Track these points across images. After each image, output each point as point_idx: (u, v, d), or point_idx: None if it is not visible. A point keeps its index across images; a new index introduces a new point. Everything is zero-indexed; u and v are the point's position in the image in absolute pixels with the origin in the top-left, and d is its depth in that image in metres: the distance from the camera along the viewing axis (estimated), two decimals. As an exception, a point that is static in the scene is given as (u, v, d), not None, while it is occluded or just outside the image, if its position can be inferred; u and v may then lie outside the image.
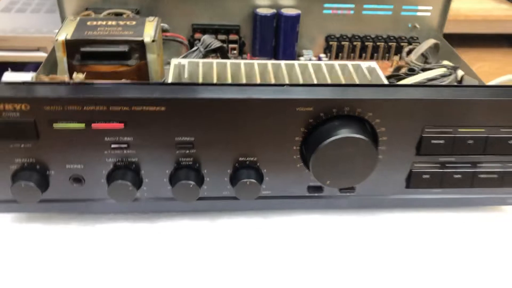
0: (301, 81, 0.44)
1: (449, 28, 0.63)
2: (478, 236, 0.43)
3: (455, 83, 0.44)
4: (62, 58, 0.48)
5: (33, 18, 0.90)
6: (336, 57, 0.62)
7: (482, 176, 0.41)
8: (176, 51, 0.60)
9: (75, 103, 0.35)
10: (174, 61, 0.46)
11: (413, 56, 0.52)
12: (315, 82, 0.44)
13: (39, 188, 0.37)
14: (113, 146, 0.37)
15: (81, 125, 0.36)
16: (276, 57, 0.60)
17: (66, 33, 0.48)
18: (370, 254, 0.40)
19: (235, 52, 0.60)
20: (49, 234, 0.40)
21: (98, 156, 0.38)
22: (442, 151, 0.40)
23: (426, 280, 0.38)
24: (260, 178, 0.39)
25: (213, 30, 0.59)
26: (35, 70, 0.86)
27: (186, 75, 0.44)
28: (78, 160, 0.38)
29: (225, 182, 0.40)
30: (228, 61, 0.46)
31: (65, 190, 0.39)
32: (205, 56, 0.51)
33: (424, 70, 0.48)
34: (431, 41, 0.55)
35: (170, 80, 0.43)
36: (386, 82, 0.44)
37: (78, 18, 0.51)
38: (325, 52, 0.62)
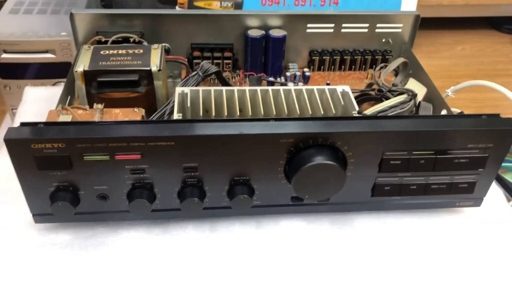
0: (285, 106, 0.53)
1: (433, 13, 0.69)
2: (433, 233, 0.52)
3: (413, 109, 0.53)
4: (81, 86, 0.56)
5: (40, 20, 0.96)
6: (319, 69, 0.70)
7: (433, 186, 0.50)
8: (178, 69, 0.68)
9: (101, 142, 0.43)
10: (178, 90, 0.54)
11: (383, 76, 0.61)
12: (297, 107, 0.53)
13: (72, 205, 0.46)
14: (131, 172, 0.46)
15: (106, 157, 0.45)
16: (265, 71, 0.68)
17: (83, 64, 0.56)
18: (343, 248, 0.50)
19: (229, 67, 0.68)
20: (79, 237, 0.50)
21: (120, 179, 0.46)
22: (399, 169, 0.49)
23: (384, 269, 0.48)
24: (251, 193, 0.48)
25: (210, 49, 0.67)
26: (38, 71, 0.93)
27: (188, 104, 0.52)
28: (103, 183, 0.47)
29: (223, 195, 0.49)
30: (223, 89, 0.54)
31: (93, 205, 0.48)
32: (203, 79, 0.59)
33: (390, 91, 0.56)
34: (399, 60, 0.63)
35: (175, 107, 0.52)
36: (356, 106, 0.52)
37: (92, 48, 0.58)
38: (308, 66, 0.70)
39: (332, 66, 0.70)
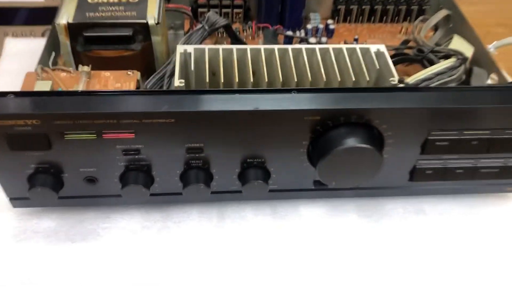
0: (308, 70, 0.44)
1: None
2: (479, 223, 0.45)
3: (463, 76, 0.44)
4: (65, 42, 0.47)
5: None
6: (344, 20, 0.60)
7: (483, 170, 0.42)
8: (180, 19, 0.58)
9: (85, 117, 0.35)
10: (180, 48, 0.45)
11: (422, 32, 0.51)
12: (323, 72, 0.44)
13: (54, 190, 0.39)
14: (124, 153, 0.38)
15: (92, 136, 0.37)
16: (282, 23, 0.58)
17: (67, 14, 0.47)
18: (372, 241, 0.43)
19: (240, 17, 0.58)
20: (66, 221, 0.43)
21: (110, 161, 0.39)
22: (446, 151, 0.40)
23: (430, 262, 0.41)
24: (267, 177, 0.41)
25: (217, -3, 0.57)
26: (27, 16, 0.84)
27: (192, 67, 0.43)
28: (90, 165, 0.39)
29: (233, 179, 0.41)
30: (234, 47, 0.45)
31: (80, 189, 0.41)
32: (210, 34, 0.50)
33: (433, 51, 0.47)
34: (442, 13, 0.53)
35: (177, 70, 0.43)
36: (394, 72, 0.43)
37: (78, -7, 0.49)
38: (333, 16, 0.60)
39: (360, 17, 0.60)
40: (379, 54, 0.46)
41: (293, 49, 0.46)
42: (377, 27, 0.60)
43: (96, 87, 0.43)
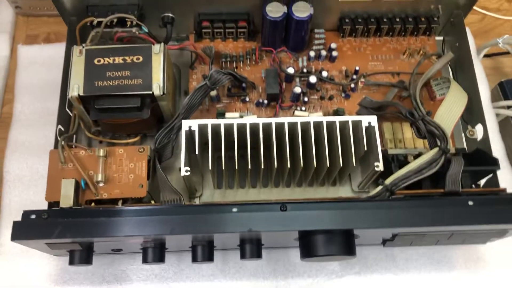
0: (300, 153, 0.48)
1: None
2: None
3: (442, 166, 0.48)
4: (80, 109, 0.51)
5: None
6: (350, 34, 0.59)
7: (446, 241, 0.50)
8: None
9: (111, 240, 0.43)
10: (185, 126, 0.49)
11: (419, 84, 0.53)
12: (314, 156, 0.48)
13: (87, 263, 0.48)
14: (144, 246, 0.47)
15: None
16: (286, 44, 0.58)
17: (77, 84, 0.50)
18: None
19: (243, 35, 0.59)
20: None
21: (135, 246, 0.48)
22: (410, 242, 0.48)
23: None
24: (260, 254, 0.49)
25: (221, 20, 0.56)
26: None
27: (197, 150, 0.48)
28: (118, 246, 0.48)
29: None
30: (234, 123, 0.49)
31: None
32: (212, 90, 0.53)
33: (423, 120, 0.50)
34: (445, 60, 0.53)
35: (182, 155, 0.48)
36: (380, 153, 0.48)
37: (84, 53, 0.51)
38: (338, 30, 0.59)
39: (366, 33, 0.59)
40: (369, 128, 0.49)
41: (289, 123, 0.49)
42: (382, 44, 0.60)
43: (113, 168, 0.49)
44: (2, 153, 0.60)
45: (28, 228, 0.43)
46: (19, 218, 0.44)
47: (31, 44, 0.68)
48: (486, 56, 0.78)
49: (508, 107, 0.65)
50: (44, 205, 0.49)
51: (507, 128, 0.67)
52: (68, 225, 0.43)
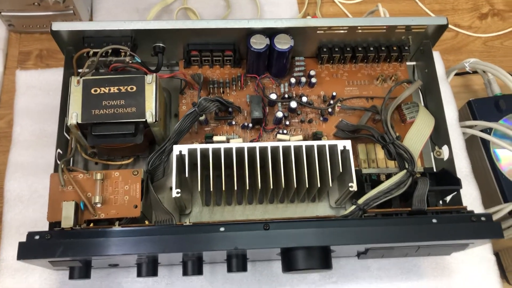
0: (282, 174, 0.53)
1: None
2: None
3: (410, 186, 0.53)
4: (78, 134, 0.55)
5: None
6: (328, 61, 0.64)
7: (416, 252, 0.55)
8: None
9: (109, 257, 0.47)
10: (176, 150, 0.53)
11: (391, 110, 0.58)
12: (294, 176, 0.53)
13: (86, 277, 0.52)
14: (138, 261, 0.51)
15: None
16: (269, 70, 0.63)
17: (75, 112, 0.54)
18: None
19: (230, 62, 0.63)
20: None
21: (131, 260, 0.52)
22: (380, 254, 0.53)
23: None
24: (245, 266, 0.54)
25: (208, 49, 0.61)
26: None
27: (187, 173, 0.52)
28: (115, 262, 0.52)
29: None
30: (221, 147, 0.53)
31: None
32: (201, 116, 0.57)
33: (393, 144, 0.55)
34: (414, 87, 0.58)
35: (174, 169, 0.52)
36: (354, 178, 0.52)
37: (81, 83, 0.55)
38: (317, 58, 0.64)
39: (343, 60, 0.64)
40: (344, 152, 0.54)
41: (271, 147, 0.54)
42: (358, 69, 0.65)
43: (109, 190, 0.53)
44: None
45: (32, 248, 0.47)
46: (19, 235, 0.48)
47: (27, 68, 0.72)
48: (457, 74, 0.84)
49: (474, 126, 0.71)
50: (42, 222, 0.53)
51: (473, 144, 0.73)
52: (69, 245, 0.47)
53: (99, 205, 0.52)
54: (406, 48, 0.63)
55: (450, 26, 0.87)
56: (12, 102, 0.68)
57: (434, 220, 0.49)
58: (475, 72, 0.82)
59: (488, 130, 0.71)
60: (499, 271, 0.62)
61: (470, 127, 0.71)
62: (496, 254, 0.66)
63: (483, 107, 0.74)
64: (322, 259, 0.49)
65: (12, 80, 0.72)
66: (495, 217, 0.66)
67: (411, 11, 0.92)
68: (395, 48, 0.63)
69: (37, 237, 0.47)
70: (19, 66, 0.76)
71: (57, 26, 0.56)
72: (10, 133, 0.67)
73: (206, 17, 0.81)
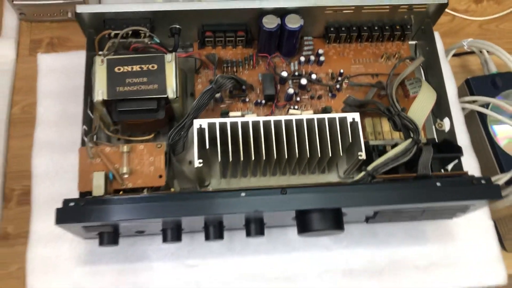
0: (296, 146, 0.57)
1: None
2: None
3: (415, 154, 0.57)
4: (103, 111, 0.58)
5: None
6: (335, 41, 0.68)
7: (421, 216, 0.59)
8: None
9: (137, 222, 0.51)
10: (196, 124, 0.57)
11: (395, 85, 0.62)
12: (307, 147, 0.57)
13: (114, 244, 0.56)
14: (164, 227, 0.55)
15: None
16: (280, 50, 0.66)
17: (101, 89, 0.57)
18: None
19: (242, 42, 0.67)
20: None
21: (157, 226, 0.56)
22: (388, 217, 0.57)
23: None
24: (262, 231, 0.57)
25: (222, 30, 0.64)
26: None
27: (207, 145, 0.56)
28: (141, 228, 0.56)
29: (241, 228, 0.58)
30: (239, 121, 0.57)
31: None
32: (218, 92, 0.61)
33: (399, 116, 0.59)
34: (416, 64, 0.62)
35: (195, 149, 0.56)
36: (362, 146, 0.56)
37: (105, 62, 0.58)
38: (324, 38, 0.68)
39: (349, 39, 0.68)
40: (353, 124, 0.58)
41: (285, 120, 0.58)
42: (363, 48, 0.68)
43: (135, 161, 0.56)
44: (18, 150, 0.70)
45: (69, 214, 0.50)
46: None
47: (48, 52, 0.75)
48: (455, 55, 0.88)
49: (473, 102, 0.75)
50: (69, 196, 0.56)
51: (472, 120, 0.77)
52: (102, 210, 0.51)
53: (126, 176, 0.56)
54: (409, 27, 0.67)
55: (447, 10, 0.91)
56: (26, 89, 0.72)
57: (438, 184, 0.53)
58: (472, 52, 0.86)
59: (486, 106, 0.75)
60: (497, 237, 0.66)
61: (470, 103, 0.75)
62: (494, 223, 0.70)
63: (480, 85, 0.78)
64: (335, 221, 0.53)
65: (24, 67, 0.76)
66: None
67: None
68: (398, 27, 0.67)
69: (72, 204, 0.51)
70: (31, 53, 0.79)
71: (81, 9, 0.59)
72: (25, 118, 0.71)
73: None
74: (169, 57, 0.59)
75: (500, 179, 0.71)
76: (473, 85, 0.78)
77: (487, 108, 0.74)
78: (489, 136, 0.75)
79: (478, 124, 0.77)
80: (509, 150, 0.73)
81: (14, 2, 0.77)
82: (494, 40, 0.94)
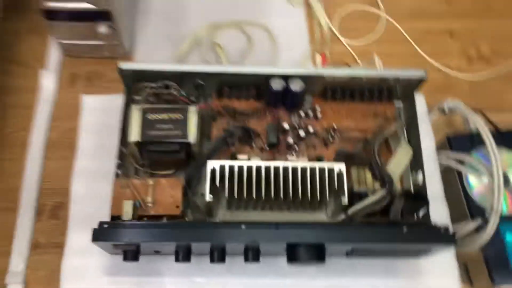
0: (290, 188, 0.69)
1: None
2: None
3: (389, 202, 0.68)
4: (135, 149, 0.71)
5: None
6: (331, 99, 0.81)
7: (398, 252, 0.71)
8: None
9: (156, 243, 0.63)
10: (210, 165, 0.69)
11: (377, 143, 0.74)
12: (300, 189, 0.69)
13: (135, 260, 0.68)
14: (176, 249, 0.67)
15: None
16: (284, 105, 0.79)
17: (135, 133, 0.70)
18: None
19: (253, 97, 0.79)
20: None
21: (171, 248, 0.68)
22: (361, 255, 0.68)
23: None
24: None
25: (237, 87, 0.77)
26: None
27: (217, 183, 0.68)
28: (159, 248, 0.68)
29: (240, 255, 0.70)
30: (245, 165, 0.69)
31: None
32: (229, 138, 0.73)
33: (378, 169, 0.71)
34: (392, 129, 0.75)
35: (207, 186, 0.68)
36: (346, 194, 0.68)
37: (141, 110, 0.71)
38: (322, 96, 0.80)
39: (343, 99, 0.80)
40: (339, 174, 0.70)
41: (283, 167, 0.70)
42: (355, 107, 0.80)
43: (158, 193, 0.69)
44: (52, 171, 0.84)
45: (103, 233, 0.63)
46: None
47: (90, 94, 0.89)
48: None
49: (448, 158, 0.86)
50: (101, 217, 0.67)
51: (450, 171, 0.88)
52: (129, 232, 0.63)
53: (150, 205, 0.68)
54: (395, 92, 0.79)
55: (439, 67, 1.03)
56: (64, 117, 0.87)
57: (405, 229, 0.65)
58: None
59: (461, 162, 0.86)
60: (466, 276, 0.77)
61: (446, 158, 0.86)
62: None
63: (459, 142, 0.89)
64: (317, 254, 0.65)
65: (63, 97, 0.92)
66: (462, 232, 0.81)
67: (407, 55, 1.07)
68: (385, 91, 0.79)
69: (105, 225, 0.63)
70: (70, 85, 0.94)
71: (125, 66, 0.73)
72: (61, 143, 0.86)
73: (230, 50, 0.98)
74: (192, 109, 0.72)
75: (470, 226, 0.82)
76: (452, 141, 0.90)
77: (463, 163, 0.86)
78: (463, 187, 0.86)
79: (455, 175, 0.88)
80: (481, 200, 0.84)
81: (60, 41, 0.92)
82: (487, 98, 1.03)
